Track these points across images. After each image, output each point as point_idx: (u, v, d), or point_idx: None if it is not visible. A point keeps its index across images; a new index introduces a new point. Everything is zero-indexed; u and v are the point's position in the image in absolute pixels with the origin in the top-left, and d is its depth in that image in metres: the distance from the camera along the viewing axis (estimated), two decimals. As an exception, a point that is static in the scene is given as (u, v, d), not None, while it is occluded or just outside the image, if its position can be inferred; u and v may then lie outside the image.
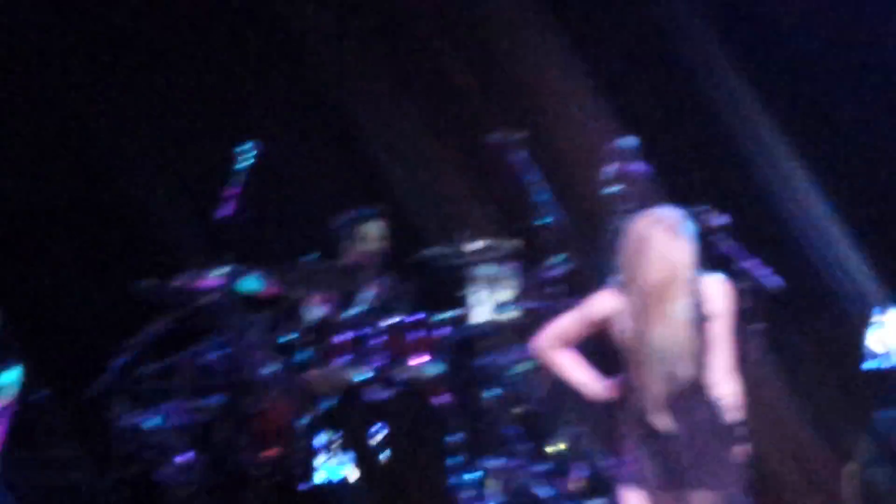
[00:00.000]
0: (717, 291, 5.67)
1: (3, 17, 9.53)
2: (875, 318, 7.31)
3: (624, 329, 5.64)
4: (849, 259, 8.83)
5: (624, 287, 5.66)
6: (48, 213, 9.80)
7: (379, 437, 7.84)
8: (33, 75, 9.77)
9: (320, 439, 7.81)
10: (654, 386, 5.57)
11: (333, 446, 7.78)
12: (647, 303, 5.59)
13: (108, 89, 9.78)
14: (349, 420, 7.88)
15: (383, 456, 7.77)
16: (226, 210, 8.09)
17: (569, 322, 5.80)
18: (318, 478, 7.73)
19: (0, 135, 9.66)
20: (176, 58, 9.86)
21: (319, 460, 7.79)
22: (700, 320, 5.59)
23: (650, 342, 5.58)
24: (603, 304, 5.71)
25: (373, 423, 7.86)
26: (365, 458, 7.76)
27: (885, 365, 7.29)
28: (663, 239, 5.60)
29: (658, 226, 5.63)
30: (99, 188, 9.86)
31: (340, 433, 7.81)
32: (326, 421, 7.86)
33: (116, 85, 9.80)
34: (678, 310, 5.58)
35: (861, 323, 7.39)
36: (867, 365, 7.29)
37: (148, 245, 9.50)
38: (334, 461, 7.78)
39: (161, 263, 8.57)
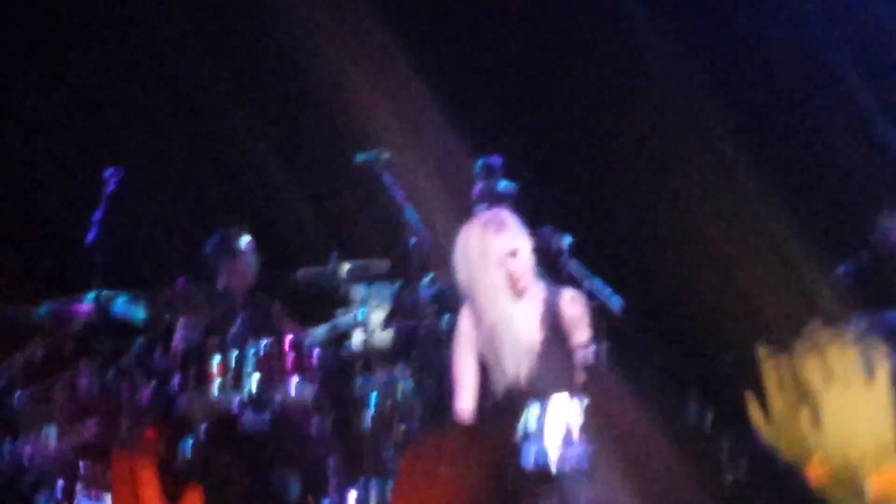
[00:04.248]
0: (573, 305, 5.65)
1: None
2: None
3: (479, 336, 5.64)
4: None
5: (465, 295, 5.68)
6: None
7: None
8: None
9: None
10: (503, 382, 5.57)
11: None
12: (483, 301, 5.59)
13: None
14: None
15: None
16: (91, 235, 8.04)
17: (460, 349, 5.75)
18: None
19: None
20: (38, 80, 9.77)
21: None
22: (553, 328, 5.59)
23: (493, 338, 5.58)
24: (463, 323, 5.72)
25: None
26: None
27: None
28: (477, 234, 5.59)
29: (474, 225, 5.66)
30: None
31: None
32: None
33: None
34: (518, 306, 5.57)
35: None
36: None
37: (16, 271, 9.40)
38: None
39: (30, 289, 8.50)
